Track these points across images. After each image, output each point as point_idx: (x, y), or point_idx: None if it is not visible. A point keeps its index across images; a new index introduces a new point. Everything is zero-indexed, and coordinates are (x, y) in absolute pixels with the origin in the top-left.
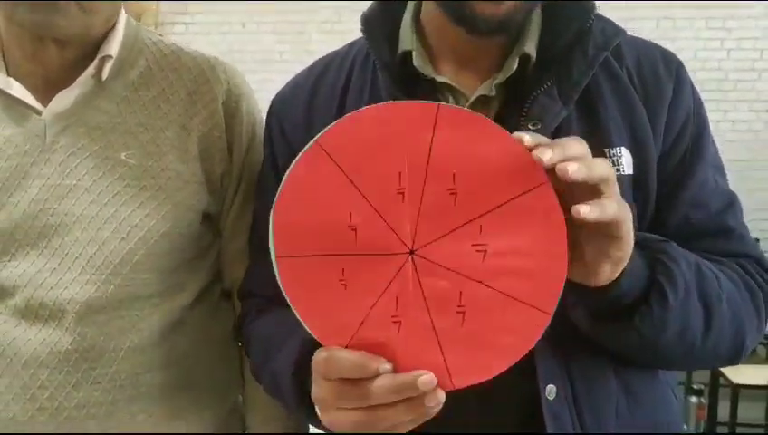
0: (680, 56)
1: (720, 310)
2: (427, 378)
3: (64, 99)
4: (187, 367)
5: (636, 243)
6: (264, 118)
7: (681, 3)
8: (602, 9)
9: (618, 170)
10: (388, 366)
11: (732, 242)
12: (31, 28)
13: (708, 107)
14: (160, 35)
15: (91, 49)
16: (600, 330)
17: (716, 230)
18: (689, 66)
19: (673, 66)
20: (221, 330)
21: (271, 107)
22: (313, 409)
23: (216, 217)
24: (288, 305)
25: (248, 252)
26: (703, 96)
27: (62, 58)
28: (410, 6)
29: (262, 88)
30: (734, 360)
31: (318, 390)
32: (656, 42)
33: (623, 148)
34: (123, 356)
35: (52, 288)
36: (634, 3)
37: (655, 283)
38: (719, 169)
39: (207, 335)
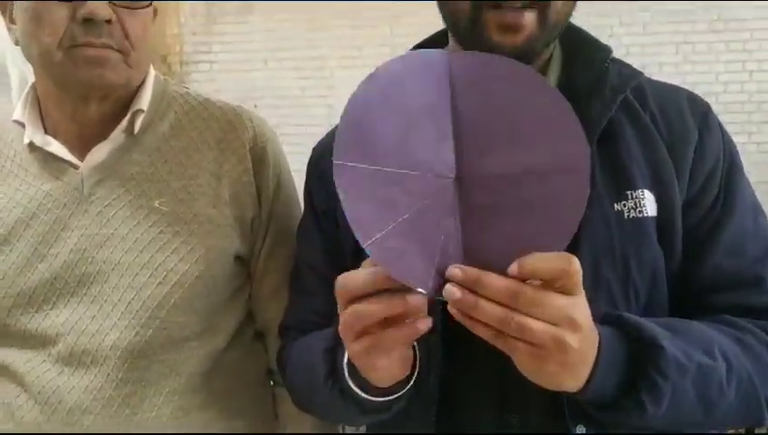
0: (701, 79)
1: (723, 400)
2: (420, 298)
3: (99, 152)
4: (223, 409)
5: (628, 335)
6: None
7: (700, 27)
8: (623, 36)
9: (641, 213)
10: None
11: (766, 295)
12: (82, 86)
13: (733, 129)
14: (186, 87)
15: (123, 104)
16: (598, 415)
17: (751, 281)
18: (712, 89)
19: (699, 110)
20: (255, 371)
21: (312, 155)
22: (342, 385)
23: (247, 259)
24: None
25: (288, 293)
26: (726, 118)
27: (100, 114)
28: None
29: (284, 123)
30: (757, 424)
31: (341, 318)
32: (677, 66)
33: (646, 190)
34: (163, 401)
35: (93, 335)
36: (653, 28)
37: (633, 390)
38: (757, 208)
39: (242, 377)
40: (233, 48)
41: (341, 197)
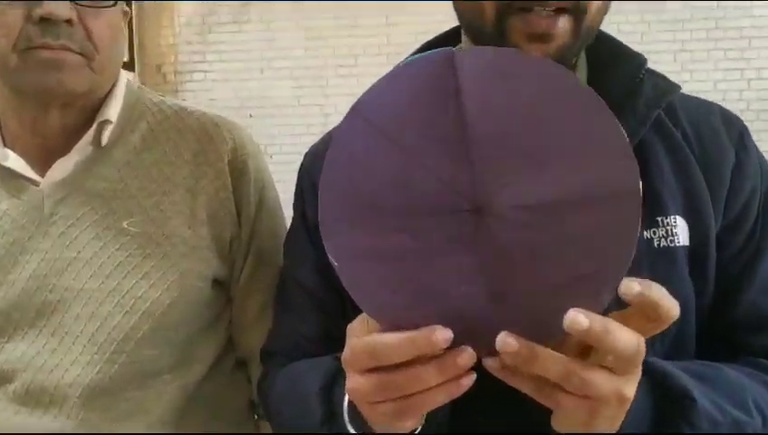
0: (700, 88)
1: None
2: (469, 353)
3: (62, 167)
4: None
5: (655, 384)
6: (297, 173)
7: (698, 35)
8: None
9: (672, 242)
10: (449, 332)
11: None
12: (38, 92)
13: None
14: (162, 96)
15: (89, 114)
16: None
17: None
18: (710, 98)
19: (735, 130)
20: (236, 404)
21: (302, 162)
22: (342, 431)
23: (226, 282)
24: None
25: (272, 312)
26: None
27: (63, 123)
28: None
29: (281, 133)
30: None
31: (352, 383)
32: (675, 74)
33: (678, 216)
34: None
35: (52, 371)
36: (651, 36)
37: None
38: None
39: (222, 411)
40: (228, 57)
41: (333, 263)
